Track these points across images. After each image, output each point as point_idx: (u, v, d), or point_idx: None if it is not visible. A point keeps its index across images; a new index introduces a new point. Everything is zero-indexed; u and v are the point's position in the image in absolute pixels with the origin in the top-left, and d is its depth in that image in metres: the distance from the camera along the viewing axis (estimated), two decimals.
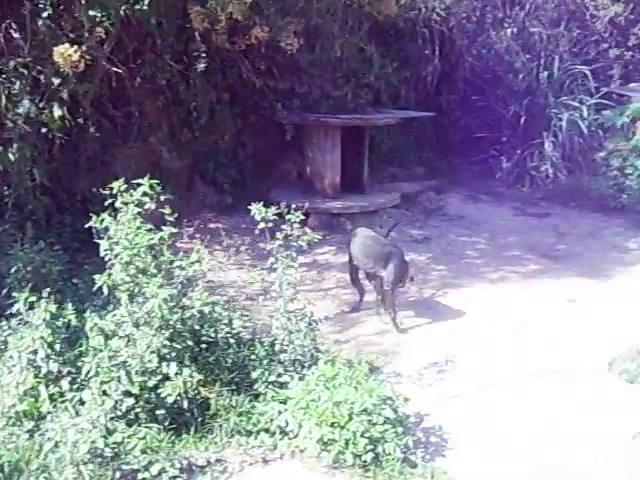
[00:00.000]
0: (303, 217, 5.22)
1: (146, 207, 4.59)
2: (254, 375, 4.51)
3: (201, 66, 7.36)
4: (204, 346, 4.62)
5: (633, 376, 4.85)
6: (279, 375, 4.56)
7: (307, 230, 6.80)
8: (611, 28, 11.57)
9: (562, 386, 4.88)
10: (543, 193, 10.05)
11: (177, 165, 9.10)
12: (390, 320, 5.88)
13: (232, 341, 4.74)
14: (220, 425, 4.23)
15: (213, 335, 4.67)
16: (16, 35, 6.46)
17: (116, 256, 4.41)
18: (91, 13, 6.26)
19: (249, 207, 4.98)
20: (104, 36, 6.49)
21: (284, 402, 4.25)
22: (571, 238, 8.37)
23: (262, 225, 4.84)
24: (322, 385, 4.17)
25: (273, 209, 4.91)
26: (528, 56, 10.82)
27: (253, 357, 4.71)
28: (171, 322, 4.26)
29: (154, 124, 8.87)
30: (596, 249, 7.94)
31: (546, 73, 10.64)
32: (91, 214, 4.61)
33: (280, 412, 4.18)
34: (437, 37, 10.67)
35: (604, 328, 5.69)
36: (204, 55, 7.33)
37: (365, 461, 3.94)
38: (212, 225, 8.53)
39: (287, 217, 4.93)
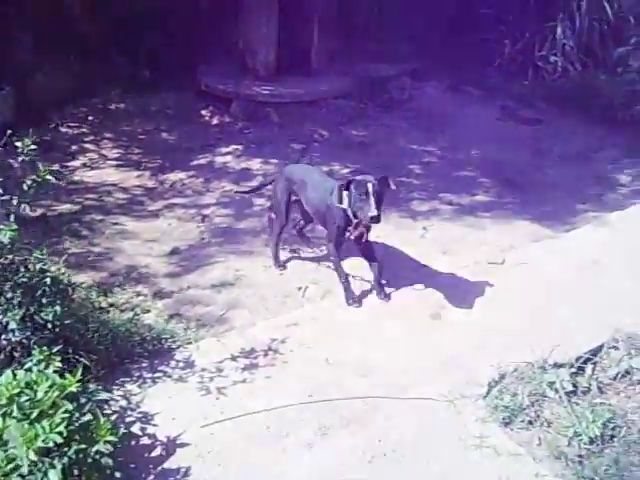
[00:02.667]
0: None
1: None
2: None
3: None
4: None
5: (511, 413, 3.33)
6: None
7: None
8: None
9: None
10: (545, 91, 8.07)
11: (92, 29, 7.40)
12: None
13: None
14: None
15: None
16: None
17: None
18: None
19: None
20: None
21: None
22: (551, 159, 6.57)
23: None
24: None
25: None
26: None
27: None
28: None
29: None
30: (574, 179, 6.15)
31: None
32: None
33: None
34: None
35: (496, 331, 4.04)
36: None
37: None
38: (113, 106, 6.94)
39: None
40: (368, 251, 4.20)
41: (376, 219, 3.78)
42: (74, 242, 4.89)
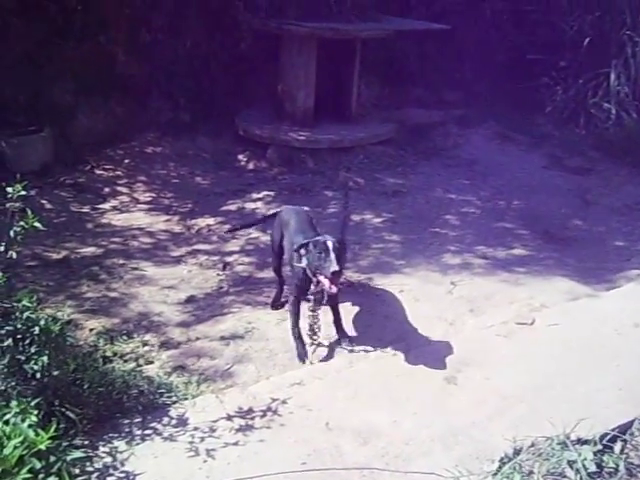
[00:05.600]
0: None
1: None
2: None
3: None
4: None
5: None
6: None
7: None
8: None
9: None
10: (597, 139, 7.74)
11: (134, 71, 7.44)
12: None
13: None
14: None
15: None
16: None
17: None
18: None
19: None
20: None
21: None
22: (597, 211, 6.20)
23: None
24: None
25: None
26: None
27: None
28: None
29: (103, 21, 7.22)
30: (621, 233, 5.79)
31: None
32: None
33: None
34: None
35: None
36: None
37: None
38: (150, 149, 6.91)
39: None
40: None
41: (338, 274, 3.70)
42: (91, 286, 4.79)
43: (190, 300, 4.70)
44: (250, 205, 6.06)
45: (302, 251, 3.86)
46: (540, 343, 4.05)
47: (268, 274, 5.01)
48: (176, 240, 5.58)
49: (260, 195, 6.18)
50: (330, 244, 3.72)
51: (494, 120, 8.11)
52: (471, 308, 4.56)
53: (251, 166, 6.83)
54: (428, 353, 3.96)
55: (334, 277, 3.68)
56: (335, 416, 3.45)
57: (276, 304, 4.59)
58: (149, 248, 5.46)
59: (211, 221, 5.83)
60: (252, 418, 3.46)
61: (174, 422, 3.42)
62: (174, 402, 3.59)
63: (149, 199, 6.26)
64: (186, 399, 3.61)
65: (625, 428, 3.43)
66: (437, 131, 7.73)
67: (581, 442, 3.29)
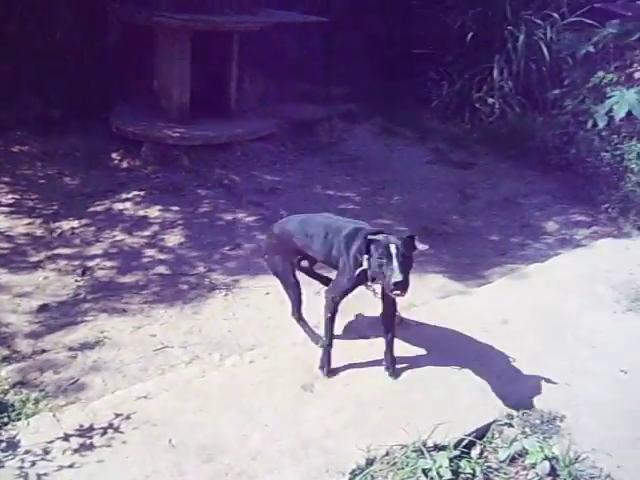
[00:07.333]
0: None
1: None
2: None
3: None
4: None
5: None
6: None
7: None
8: None
9: None
10: (481, 133, 7.74)
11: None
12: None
13: None
14: None
15: None
16: None
17: None
18: None
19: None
20: None
21: None
22: (477, 205, 6.16)
23: None
24: None
25: None
26: None
27: None
28: None
29: None
30: (498, 227, 5.73)
31: None
32: None
33: None
34: None
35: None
36: None
37: None
38: (16, 148, 6.47)
39: None
40: None
41: (401, 286, 3.12)
42: None
43: (43, 309, 4.38)
44: (118, 206, 5.74)
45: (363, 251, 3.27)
46: (402, 345, 3.90)
47: (130, 279, 4.74)
48: (36, 244, 5.21)
49: (130, 195, 5.86)
50: (393, 249, 3.18)
51: (380, 115, 8.00)
52: (340, 308, 4.36)
53: (125, 165, 6.49)
54: (288, 359, 3.76)
55: (396, 289, 3.13)
56: (180, 431, 3.21)
57: (299, 312, 3.94)
58: (6, 253, 5.09)
59: (75, 224, 5.49)
60: (91, 437, 3.18)
61: (3, 446, 3.11)
62: (6, 424, 3.26)
63: (11, 201, 5.85)
64: (19, 420, 3.28)
65: (484, 431, 3.31)
66: (322, 126, 7.56)
67: (438, 448, 3.15)
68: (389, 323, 3.65)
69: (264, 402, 3.41)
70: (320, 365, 3.63)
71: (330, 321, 3.58)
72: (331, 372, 3.61)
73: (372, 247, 3.23)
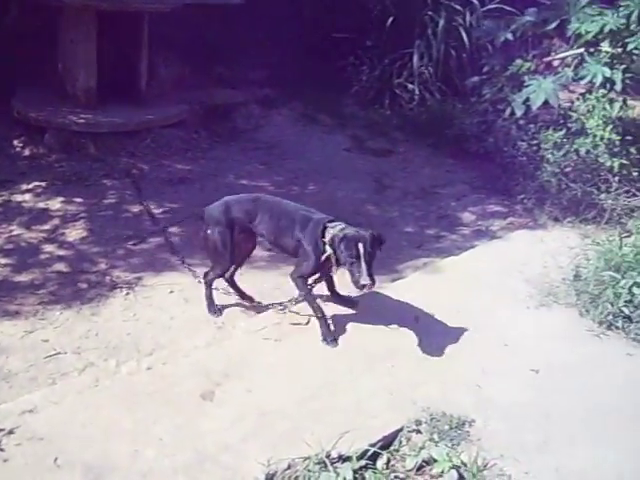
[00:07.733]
0: None
1: None
2: None
3: None
4: None
5: None
6: None
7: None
8: None
9: None
10: (401, 120, 7.62)
11: None
12: None
13: None
14: None
15: None
16: None
17: None
18: None
19: None
20: None
21: None
22: (393, 195, 6.03)
23: None
24: None
25: None
26: None
27: None
28: None
29: None
30: (414, 218, 5.63)
31: None
32: None
33: None
34: None
35: None
36: None
37: None
38: None
39: None
40: None
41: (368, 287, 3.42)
42: None
43: None
44: (17, 198, 5.41)
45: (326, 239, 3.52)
46: (312, 346, 3.75)
47: (26, 277, 4.45)
48: None
49: (30, 186, 5.53)
50: (362, 248, 3.38)
51: (299, 101, 7.80)
52: (244, 308, 4.20)
53: (27, 153, 6.13)
54: (188, 364, 3.56)
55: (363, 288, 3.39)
56: (68, 448, 2.98)
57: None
58: None
59: None
60: None
61: None
62: None
63: None
64: None
65: (391, 438, 3.18)
66: (238, 112, 7.32)
67: (342, 459, 3.02)
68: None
69: (160, 413, 3.20)
70: (322, 338, 3.73)
71: (310, 296, 3.77)
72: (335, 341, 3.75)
73: (342, 244, 3.42)
